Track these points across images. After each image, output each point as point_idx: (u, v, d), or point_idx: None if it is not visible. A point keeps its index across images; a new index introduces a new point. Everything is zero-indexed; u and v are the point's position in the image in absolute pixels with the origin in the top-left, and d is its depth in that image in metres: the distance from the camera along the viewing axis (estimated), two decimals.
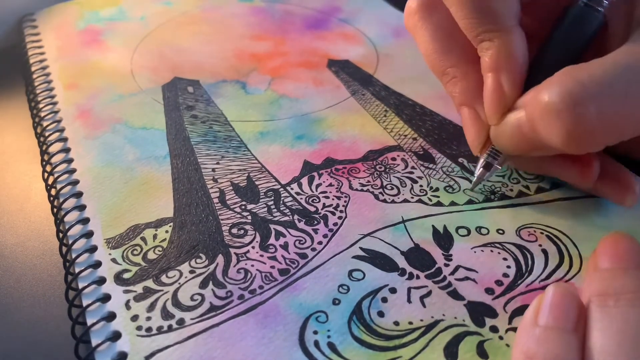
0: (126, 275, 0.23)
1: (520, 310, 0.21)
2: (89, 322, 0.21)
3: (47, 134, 0.31)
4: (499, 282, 0.22)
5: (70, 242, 0.25)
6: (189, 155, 0.29)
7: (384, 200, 0.26)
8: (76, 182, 0.28)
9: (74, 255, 0.24)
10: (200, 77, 0.36)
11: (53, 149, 0.30)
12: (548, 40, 0.24)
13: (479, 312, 0.21)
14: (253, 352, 0.20)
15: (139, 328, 0.21)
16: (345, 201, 0.26)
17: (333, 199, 0.26)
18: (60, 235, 0.25)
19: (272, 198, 0.27)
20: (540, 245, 0.23)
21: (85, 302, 0.22)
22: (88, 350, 0.21)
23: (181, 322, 0.21)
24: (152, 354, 0.20)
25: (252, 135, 0.31)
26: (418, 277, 0.22)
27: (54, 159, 0.30)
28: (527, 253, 0.23)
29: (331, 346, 0.20)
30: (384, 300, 0.22)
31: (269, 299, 0.22)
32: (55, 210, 0.27)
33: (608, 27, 0.23)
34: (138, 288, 0.23)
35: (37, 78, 0.36)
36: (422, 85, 0.34)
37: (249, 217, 0.26)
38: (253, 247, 0.24)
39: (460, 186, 0.27)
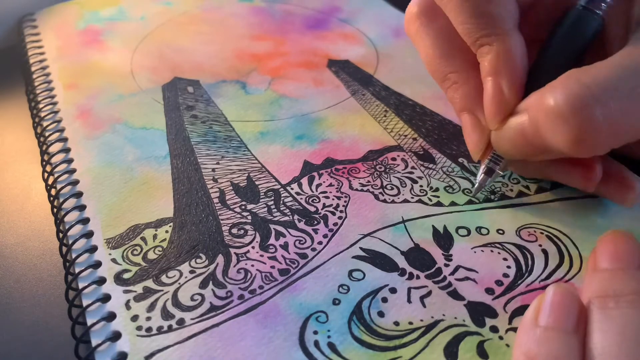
0: (126, 276, 0.23)
1: (520, 311, 0.21)
2: (89, 322, 0.21)
3: (47, 134, 0.31)
4: (499, 282, 0.22)
5: (70, 242, 0.25)
6: (189, 155, 0.29)
7: (384, 201, 0.26)
8: (76, 182, 0.28)
9: (74, 256, 0.24)
10: (200, 77, 0.36)
11: (53, 149, 0.30)
12: (548, 43, 0.24)
13: (479, 312, 0.21)
14: (253, 352, 0.20)
15: (139, 328, 0.21)
16: (345, 201, 0.26)
17: (333, 199, 0.26)
18: (60, 235, 0.25)
19: (272, 198, 0.27)
20: (540, 245, 0.23)
21: (85, 302, 0.22)
22: (88, 350, 0.21)
23: (181, 322, 0.21)
24: (152, 354, 0.20)
25: (252, 135, 0.31)
26: (418, 277, 0.22)
27: (54, 159, 0.30)
28: (527, 253, 0.23)
29: (331, 346, 0.20)
30: (384, 300, 0.22)
31: (269, 299, 0.22)
32: (55, 210, 0.27)
33: (606, 28, 0.23)
34: (138, 288, 0.23)
35: (37, 78, 0.36)
36: (422, 85, 0.34)
37: (249, 217, 0.26)
38: (253, 247, 0.24)
39: (460, 186, 0.27)
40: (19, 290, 0.24)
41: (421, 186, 0.27)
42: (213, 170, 0.28)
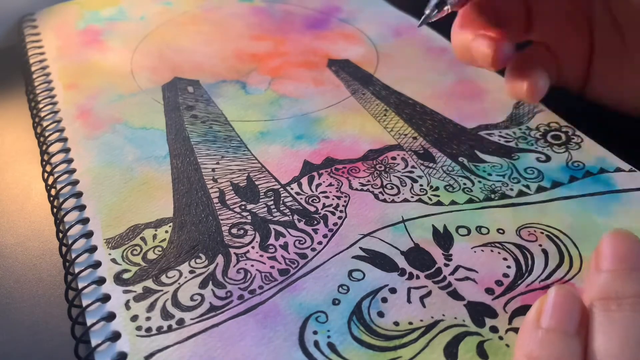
0: (126, 276, 0.23)
1: (520, 311, 0.21)
2: (89, 322, 0.21)
3: (47, 134, 0.31)
4: (499, 282, 0.22)
5: (70, 242, 0.25)
6: (189, 155, 0.29)
7: (384, 200, 0.26)
8: (76, 182, 0.28)
9: (73, 255, 0.24)
10: (200, 77, 0.36)
11: (53, 149, 0.30)
12: None
13: (479, 312, 0.21)
14: (253, 352, 0.20)
15: (138, 328, 0.21)
16: (345, 201, 0.26)
17: (333, 199, 0.26)
18: (60, 235, 0.25)
19: (272, 198, 0.27)
20: (540, 245, 0.23)
21: (85, 302, 0.22)
22: (88, 350, 0.21)
23: (181, 322, 0.21)
24: (152, 354, 0.20)
25: (252, 135, 0.31)
26: (418, 277, 0.22)
27: (54, 159, 0.30)
28: (527, 253, 0.23)
29: (331, 346, 0.20)
30: (384, 300, 0.22)
31: (268, 299, 0.22)
32: (55, 210, 0.27)
33: None
34: (138, 288, 0.23)
35: (37, 78, 0.36)
36: (422, 84, 0.34)
37: (249, 217, 0.26)
38: (253, 247, 0.24)
39: (460, 185, 0.27)
40: (19, 290, 0.24)
41: (421, 185, 0.27)
42: (213, 170, 0.28)
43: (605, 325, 0.17)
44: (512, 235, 0.24)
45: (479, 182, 0.27)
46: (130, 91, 0.35)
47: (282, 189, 0.27)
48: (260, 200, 0.26)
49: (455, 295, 0.22)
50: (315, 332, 0.21)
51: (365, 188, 0.27)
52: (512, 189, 0.26)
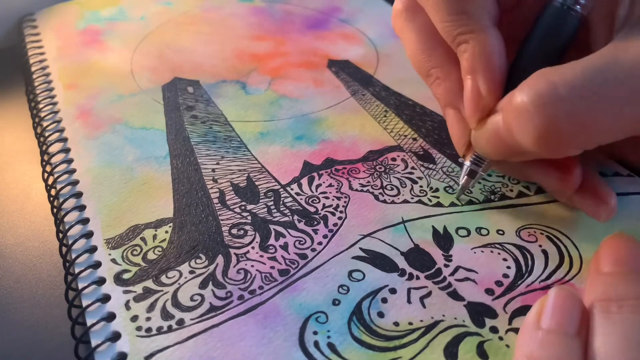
0: (126, 276, 0.23)
1: (520, 311, 0.21)
2: (89, 322, 0.21)
3: (47, 134, 0.31)
4: (499, 283, 0.22)
5: (70, 242, 0.25)
6: (189, 156, 0.29)
7: (384, 201, 0.26)
8: (76, 183, 0.28)
9: (73, 256, 0.24)
10: (200, 77, 0.36)
11: (53, 149, 0.30)
12: (526, 42, 0.23)
13: (479, 312, 0.21)
14: (253, 353, 0.20)
15: (138, 328, 0.21)
16: (345, 202, 0.26)
17: (333, 200, 0.26)
18: (60, 235, 0.25)
19: (272, 198, 0.27)
20: (540, 246, 0.23)
21: (85, 303, 0.22)
22: (88, 350, 0.21)
23: (181, 323, 0.21)
24: (152, 355, 0.20)
25: (252, 135, 0.31)
26: (418, 277, 0.22)
27: (54, 159, 0.30)
28: (527, 253, 0.23)
29: (331, 346, 0.20)
30: (384, 300, 0.22)
31: (268, 299, 0.22)
32: (55, 210, 0.27)
33: (590, 29, 0.23)
34: (138, 288, 0.23)
35: (37, 78, 0.36)
36: (422, 85, 0.34)
37: (249, 218, 0.26)
38: (253, 248, 0.24)
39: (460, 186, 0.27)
40: (19, 290, 0.24)
41: (421, 186, 0.27)
42: (213, 170, 0.28)
43: (606, 326, 0.17)
44: (512, 236, 0.24)
45: (479, 183, 0.27)
46: (130, 91, 0.35)
47: (282, 190, 0.27)
48: (260, 201, 0.26)
49: (455, 295, 0.22)
50: (315, 333, 0.21)
51: (365, 189, 0.27)
52: (511, 190, 0.26)
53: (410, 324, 0.21)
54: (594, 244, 0.22)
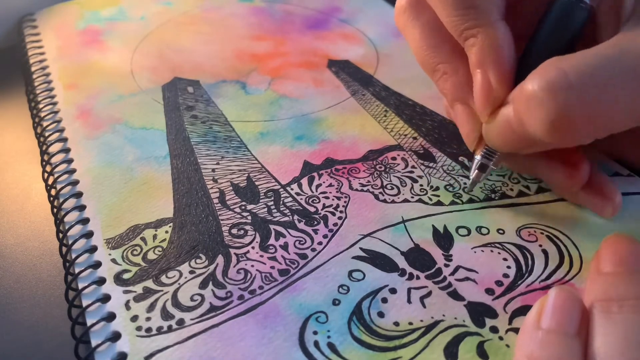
0: (126, 276, 0.23)
1: (520, 311, 0.21)
2: (89, 322, 0.21)
3: (47, 134, 0.31)
4: (499, 283, 0.22)
5: (70, 242, 0.25)
6: (189, 156, 0.29)
7: (384, 200, 0.26)
8: (76, 183, 0.28)
9: (73, 256, 0.24)
10: (200, 77, 0.36)
11: (53, 149, 0.30)
12: (535, 34, 0.23)
13: (479, 312, 0.21)
14: (253, 353, 0.20)
15: (138, 328, 0.21)
16: (345, 201, 0.26)
17: (333, 200, 0.26)
18: (60, 235, 0.25)
19: (272, 198, 0.27)
20: (540, 246, 0.23)
21: (85, 303, 0.22)
22: (88, 350, 0.21)
23: (181, 323, 0.21)
24: (152, 355, 0.20)
25: (252, 135, 0.31)
26: (418, 277, 0.22)
27: (54, 159, 0.30)
28: (527, 253, 0.23)
29: (331, 346, 0.20)
30: (384, 300, 0.22)
31: (268, 299, 0.22)
32: (55, 210, 0.27)
33: (598, 20, 0.23)
34: (138, 288, 0.22)
35: (37, 78, 0.36)
36: (422, 85, 0.34)
37: (249, 218, 0.26)
38: (253, 248, 0.24)
39: (460, 185, 0.27)
40: (19, 290, 0.24)
41: (421, 185, 0.27)
42: (213, 170, 0.28)
43: (606, 326, 0.17)
44: (512, 236, 0.24)
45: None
46: (130, 91, 0.35)
47: (282, 190, 0.27)
48: (261, 201, 0.26)
49: (455, 295, 0.22)
50: (315, 332, 0.21)
51: (365, 188, 0.27)
52: (512, 189, 0.26)
53: (411, 323, 0.21)
54: (594, 243, 0.22)
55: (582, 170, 0.24)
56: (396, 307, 0.21)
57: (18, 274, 0.25)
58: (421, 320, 0.21)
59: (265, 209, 0.26)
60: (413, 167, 0.28)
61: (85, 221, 0.26)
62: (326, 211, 0.26)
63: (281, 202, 0.26)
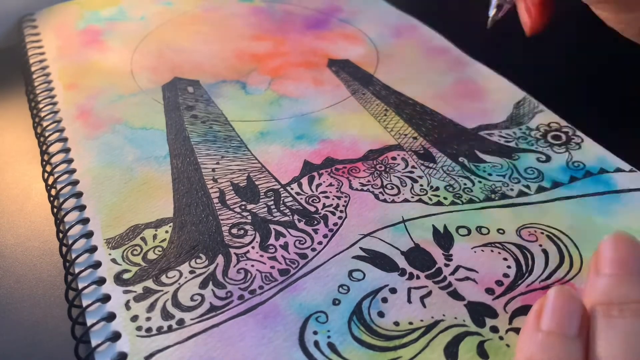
0: (126, 276, 0.23)
1: (520, 311, 0.21)
2: (89, 322, 0.21)
3: (47, 134, 0.31)
4: (499, 282, 0.22)
5: (70, 242, 0.25)
6: (189, 155, 0.29)
7: (384, 200, 0.26)
8: (76, 183, 0.28)
9: (73, 256, 0.24)
10: (200, 77, 0.36)
11: (53, 149, 0.30)
12: None
13: (479, 312, 0.21)
14: (253, 352, 0.20)
15: (138, 328, 0.21)
16: (345, 201, 0.26)
17: (333, 199, 0.26)
18: (60, 235, 0.25)
19: (272, 198, 0.27)
20: (540, 245, 0.23)
21: (85, 303, 0.22)
22: (88, 350, 0.21)
23: (181, 323, 0.21)
24: (152, 355, 0.20)
25: (252, 135, 0.31)
26: (418, 277, 0.22)
27: (54, 159, 0.30)
28: (527, 253, 0.23)
29: (331, 346, 0.20)
30: (384, 300, 0.22)
31: (269, 299, 0.22)
32: (55, 210, 0.27)
33: None
34: (138, 288, 0.22)
35: (37, 78, 0.36)
36: (422, 84, 0.34)
37: (249, 217, 0.26)
38: (253, 247, 0.24)
39: (460, 185, 0.27)
40: (19, 290, 0.24)
41: (421, 185, 0.27)
42: (213, 170, 0.28)
43: (607, 330, 0.17)
44: (513, 236, 0.24)
45: (479, 182, 0.27)
46: (130, 91, 0.35)
47: (282, 189, 0.27)
48: (261, 200, 0.26)
49: (455, 295, 0.22)
50: (315, 332, 0.21)
51: (365, 188, 0.27)
52: (512, 189, 0.26)
53: (411, 323, 0.21)
54: (594, 243, 0.22)
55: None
56: (396, 307, 0.21)
57: (18, 274, 0.25)
58: (421, 320, 0.21)
59: (266, 209, 0.26)
60: (413, 167, 0.28)
61: (85, 221, 0.26)
62: (326, 211, 0.26)
63: (281, 202, 0.26)
